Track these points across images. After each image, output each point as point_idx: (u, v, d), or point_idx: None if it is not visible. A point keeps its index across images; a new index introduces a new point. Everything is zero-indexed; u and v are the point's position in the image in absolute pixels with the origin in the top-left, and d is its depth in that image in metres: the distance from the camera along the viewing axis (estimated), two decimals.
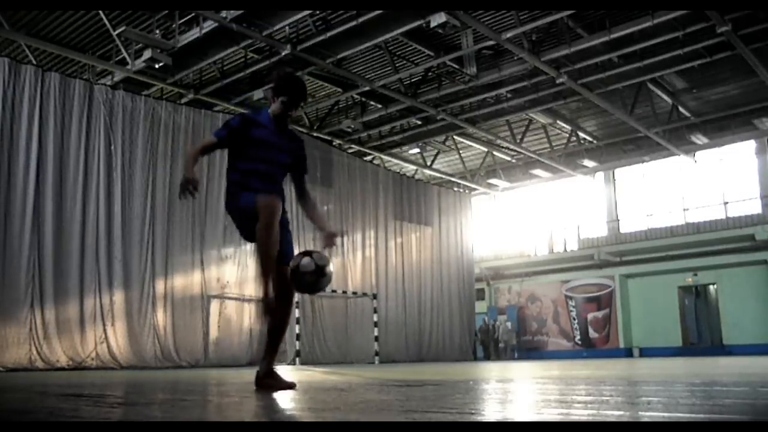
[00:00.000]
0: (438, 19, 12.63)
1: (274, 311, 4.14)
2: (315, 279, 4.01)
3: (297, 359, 16.12)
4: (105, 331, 13.06)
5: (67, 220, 12.94)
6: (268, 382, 4.21)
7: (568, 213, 27.30)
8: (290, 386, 4.20)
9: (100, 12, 13.46)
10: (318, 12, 13.78)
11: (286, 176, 4.46)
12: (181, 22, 13.67)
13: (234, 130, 4.24)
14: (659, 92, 19.05)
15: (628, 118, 19.37)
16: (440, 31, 13.36)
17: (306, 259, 4.00)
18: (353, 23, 13.61)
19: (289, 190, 4.57)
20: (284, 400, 3.34)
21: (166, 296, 14.27)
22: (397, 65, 16.41)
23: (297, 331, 16.20)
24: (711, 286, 24.23)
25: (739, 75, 18.07)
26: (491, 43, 14.77)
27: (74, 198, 13.09)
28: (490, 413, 2.54)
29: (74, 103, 13.30)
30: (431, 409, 2.58)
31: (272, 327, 4.33)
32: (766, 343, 21.06)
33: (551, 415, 2.40)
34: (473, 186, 26.08)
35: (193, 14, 13.47)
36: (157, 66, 14.14)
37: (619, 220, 25.98)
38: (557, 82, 16.45)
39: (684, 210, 24.30)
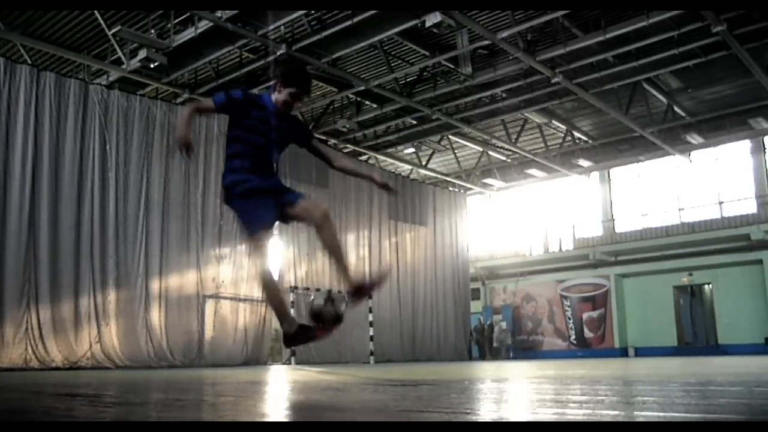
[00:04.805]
0: (433, 18, 12.65)
1: (324, 238, 4.12)
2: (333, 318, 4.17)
3: (292, 359, 16.08)
4: (100, 330, 13.04)
5: (63, 219, 12.91)
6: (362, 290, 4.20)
7: (563, 213, 27.33)
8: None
9: (96, 12, 13.44)
10: (313, 12, 13.77)
11: (280, 156, 4.37)
12: (176, 21, 13.66)
13: (234, 101, 4.13)
14: (654, 92, 19.08)
15: (623, 117, 19.40)
16: (435, 30, 13.36)
17: (329, 306, 4.11)
18: (348, 23, 13.61)
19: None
20: (281, 400, 3.34)
21: (161, 296, 14.24)
22: (392, 65, 16.41)
23: None
24: (706, 286, 24.26)
25: (735, 75, 18.10)
26: (486, 42, 14.78)
27: (69, 197, 13.07)
28: (486, 413, 2.54)
29: (69, 103, 13.27)
30: (427, 409, 2.58)
31: (329, 248, 4.19)
32: (761, 342, 21.13)
33: (546, 414, 2.40)
34: (468, 186, 26.09)
35: (188, 14, 13.45)
36: (152, 66, 14.12)
37: (614, 220, 26.02)
38: (552, 81, 16.47)
39: (679, 210, 24.35)
